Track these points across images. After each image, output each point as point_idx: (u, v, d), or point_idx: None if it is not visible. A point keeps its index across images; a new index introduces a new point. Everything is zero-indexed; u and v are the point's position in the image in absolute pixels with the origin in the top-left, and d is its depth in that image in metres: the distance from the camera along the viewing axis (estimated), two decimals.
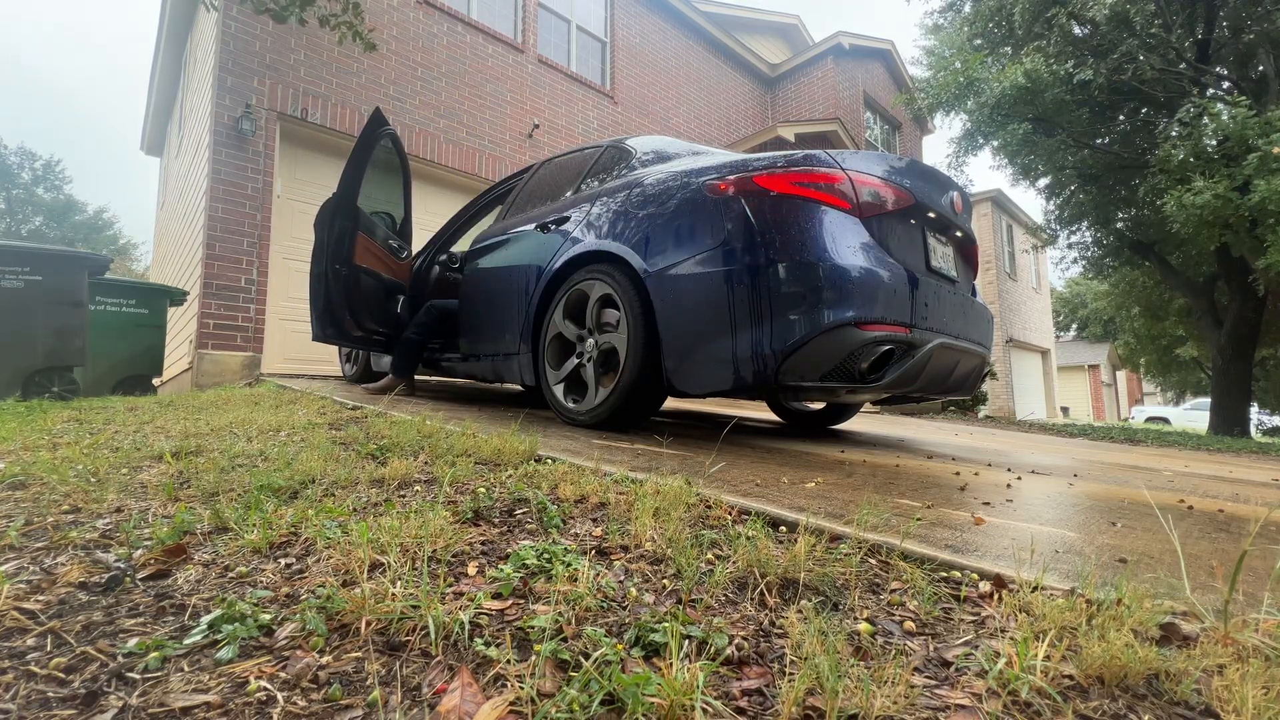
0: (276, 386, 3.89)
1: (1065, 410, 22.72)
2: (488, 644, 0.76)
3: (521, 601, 0.89)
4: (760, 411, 4.86)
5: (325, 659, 0.74)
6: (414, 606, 0.82)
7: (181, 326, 6.14)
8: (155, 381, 5.63)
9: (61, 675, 0.70)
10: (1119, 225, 11.17)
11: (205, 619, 0.80)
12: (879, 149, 11.99)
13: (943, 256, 2.51)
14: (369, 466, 1.61)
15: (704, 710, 0.64)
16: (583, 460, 1.71)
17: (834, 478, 1.82)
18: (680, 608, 0.88)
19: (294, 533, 1.12)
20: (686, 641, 0.79)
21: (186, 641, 0.76)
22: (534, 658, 0.73)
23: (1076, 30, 9.52)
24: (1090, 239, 12.31)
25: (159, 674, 0.70)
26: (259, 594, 0.88)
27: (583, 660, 0.73)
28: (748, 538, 1.09)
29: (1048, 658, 0.75)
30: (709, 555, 1.08)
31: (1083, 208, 11.03)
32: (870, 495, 1.59)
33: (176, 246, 7.44)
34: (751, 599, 0.93)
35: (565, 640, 0.78)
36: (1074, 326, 33.03)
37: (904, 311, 2.10)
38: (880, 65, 12.16)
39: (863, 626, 0.85)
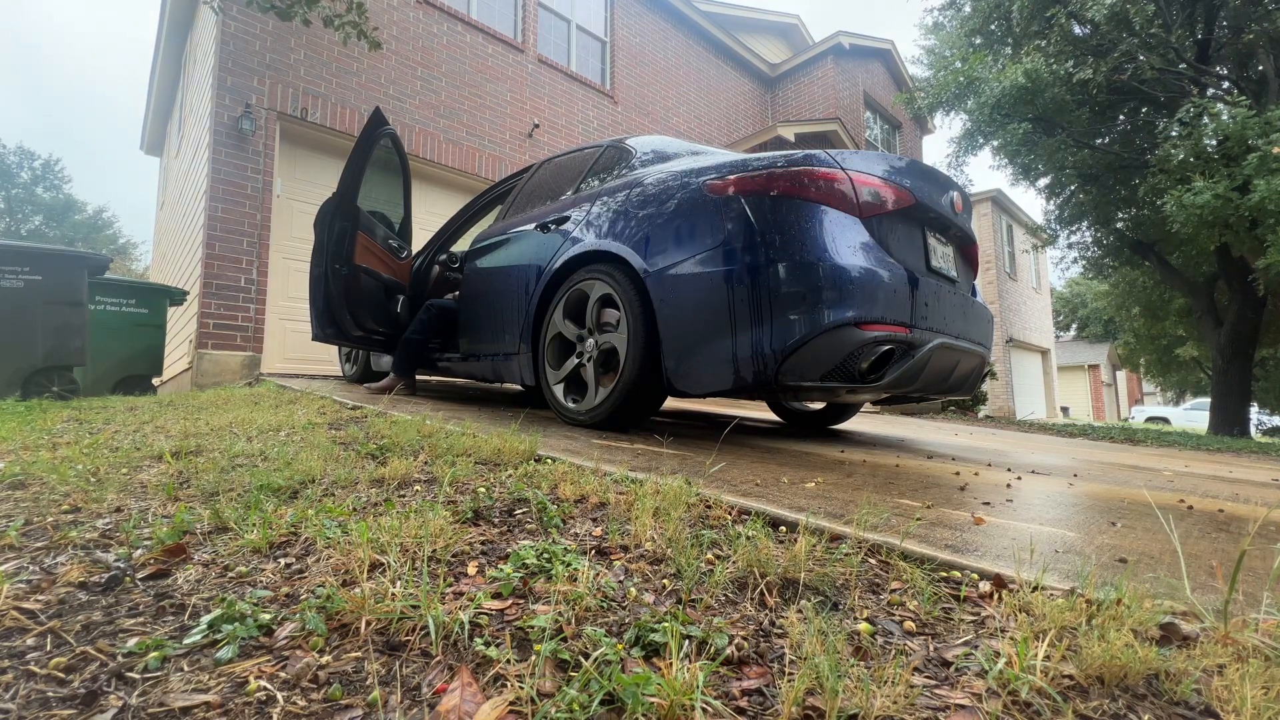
0: (276, 386, 3.89)
1: (1065, 410, 22.72)
2: (488, 644, 0.76)
3: (521, 601, 0.89)
4: (760, 411, 4.85)
5: (325, 659, 0.74)
6: (414, 606, 0.82)
7: (181, 326, 6.13)
8: (155, 381, 5.63)
9: (61, 675, 0.70)
10: (1119, 225, 11.17)
11: (205, 619, 0.80)
12: (879, 149, 11.98)
13: (943, 256, 2.51)
14: (369, 466, 1.61)
15: (704, 710, 0.64)
16: (583, 460, 1.71)
17: (834, 478, 1.82)
18: (680, 608, 0.88)
19: (294, 532, 1.12)
20: (686, 641, 0.79)
21: (186, 641, 0.76)
22: (534, 657, 0.73)
23: (1076, 30, 9.52)
24: (1090, 239, 12.32)
25: (159, 674, 0.70)
26: (259, 594, 0.88)
27: (582, 660, 0.73)
28: (748, 537, 1.09)
29: (1048, 658, 0.75)
30: (709, 555, 1.08)
31: (1083, 208, 11.04)
32: (870, 495, 1.59)
33: (176, 246, 7.44)
34: (751, 599, 0.93)
35: (565, 640, 0.78)
36: (1074, 326, 33.05)
37: (904, 311, 2.10)
38: (880, 65, 12.16)
39: (863, 626, 0.85)
